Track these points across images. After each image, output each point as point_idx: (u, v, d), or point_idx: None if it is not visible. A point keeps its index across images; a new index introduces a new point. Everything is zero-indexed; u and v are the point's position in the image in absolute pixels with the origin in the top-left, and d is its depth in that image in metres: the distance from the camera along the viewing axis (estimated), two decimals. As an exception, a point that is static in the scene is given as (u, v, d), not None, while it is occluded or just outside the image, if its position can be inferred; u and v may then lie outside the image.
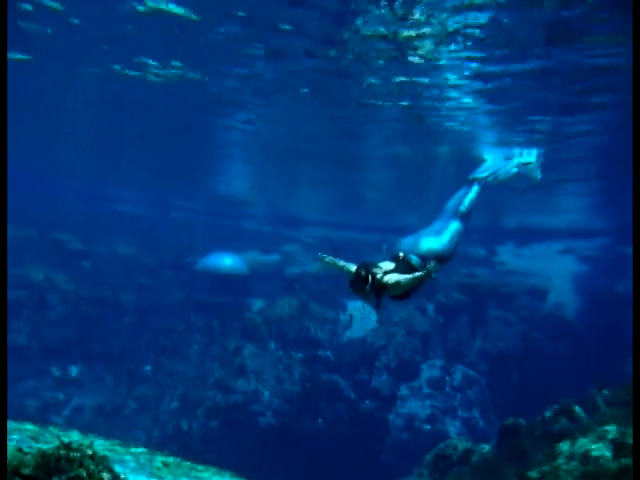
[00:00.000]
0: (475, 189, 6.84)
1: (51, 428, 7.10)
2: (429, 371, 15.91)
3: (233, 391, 14.50)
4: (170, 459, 6.09)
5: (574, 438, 6.75)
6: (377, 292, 4.93)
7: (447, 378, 15.85)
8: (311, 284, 18.78)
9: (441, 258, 5.57)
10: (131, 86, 11.84)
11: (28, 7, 8.36)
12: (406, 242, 5.61)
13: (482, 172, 7.63)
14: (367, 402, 14.67)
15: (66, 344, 16.14)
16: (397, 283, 4.90)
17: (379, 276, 4.90)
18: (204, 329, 17.23)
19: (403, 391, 15.30)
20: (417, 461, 10.86)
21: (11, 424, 7.03)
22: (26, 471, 3.86)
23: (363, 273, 4.82)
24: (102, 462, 3.98)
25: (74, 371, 15.74)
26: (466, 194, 6.68)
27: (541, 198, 19.07)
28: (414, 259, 5.35)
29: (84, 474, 3.78)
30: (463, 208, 6.42)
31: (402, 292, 5.01)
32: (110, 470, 4.05)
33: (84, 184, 27.67)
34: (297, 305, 16.58)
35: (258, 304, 17.58)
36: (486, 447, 9.52)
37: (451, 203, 6.53)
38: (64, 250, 19.95)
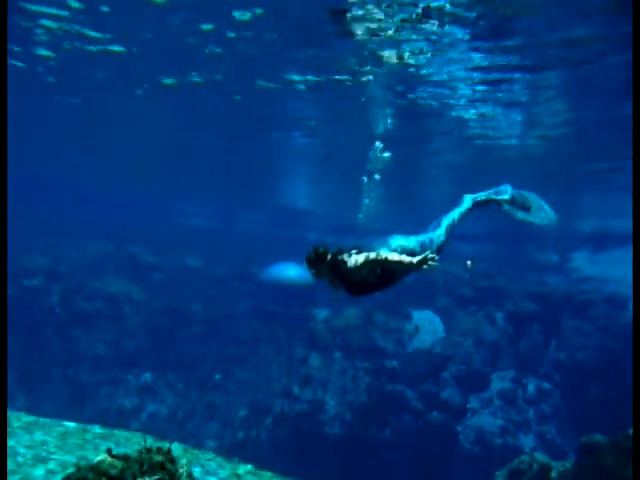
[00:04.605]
0: (466, 205, 6.63)
1: (126, 434, 7.45)
2: (499, 382, 15.37)
3: (300, 400, 14.63)
4: (245, 466, 6.23)
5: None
6: (333, 272, 4.80)
7: (519, 390, 15.26)
8: (376, 294, 18.63)
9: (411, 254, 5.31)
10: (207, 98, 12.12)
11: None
12: (377, 241, 5.46)
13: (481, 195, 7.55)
14: (435, 413, 14.34)
15: (141, 353, 16.90)
16: (355, 262, 4.76)
17: (339, 256, 4.79)
18: (270, 339, 17.53)
19: (472, 403, 14.86)
20: (489, 476, 10.51)
21: (94, 428, 7.46)
22: (113, 472, 4.08)
23: (321, 250, 4.75)
24: (183, 466, 4.15)
25: (149, 379, 16.42)
26: (457, 209, 6.51)
27: (622, 198, 17.97)
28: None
29: (166, 478, 3.95)
30: (450, 219, 6.26)
31: (360, 277, 4.84)
32: (190, 474, 4.21)
33: (156, 201, 28.98)
34: (362, 315, 16.54)
35: (323, 314, 17.69)
36: (564, 464, 9.07)
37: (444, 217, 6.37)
38: (138, 263, 20.92)
